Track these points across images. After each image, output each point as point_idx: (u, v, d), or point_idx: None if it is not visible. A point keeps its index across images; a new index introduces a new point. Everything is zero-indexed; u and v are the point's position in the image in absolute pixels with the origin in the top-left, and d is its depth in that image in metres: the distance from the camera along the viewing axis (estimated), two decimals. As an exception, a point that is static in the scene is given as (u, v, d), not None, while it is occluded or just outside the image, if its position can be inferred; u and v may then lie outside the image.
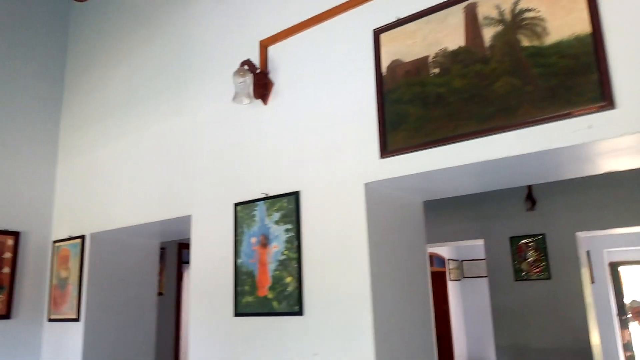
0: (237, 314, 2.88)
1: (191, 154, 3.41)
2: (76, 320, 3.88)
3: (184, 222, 3.53)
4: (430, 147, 2.31)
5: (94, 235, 4.01)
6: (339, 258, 2.55)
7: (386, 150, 2.45)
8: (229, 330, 2.92)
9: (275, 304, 2.73)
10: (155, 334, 4.36)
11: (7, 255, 4.04)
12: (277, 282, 2.75)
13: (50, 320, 4.12)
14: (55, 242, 4.27)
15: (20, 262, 4.12)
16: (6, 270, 4.02)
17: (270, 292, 2.77)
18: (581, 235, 5.96)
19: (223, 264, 3.04)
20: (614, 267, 9.05)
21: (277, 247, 2.79)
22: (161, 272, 5.26)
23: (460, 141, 2.23)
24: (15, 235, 4.11)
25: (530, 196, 6.03)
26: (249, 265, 2.89)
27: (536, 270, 6.06)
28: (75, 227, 4.15)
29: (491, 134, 2.15)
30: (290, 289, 2.69)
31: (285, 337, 2.66)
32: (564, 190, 5.88)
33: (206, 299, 3.09)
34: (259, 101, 3.04)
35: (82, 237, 4.02)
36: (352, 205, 2.54)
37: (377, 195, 2.59)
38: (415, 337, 2.72)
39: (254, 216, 2.94)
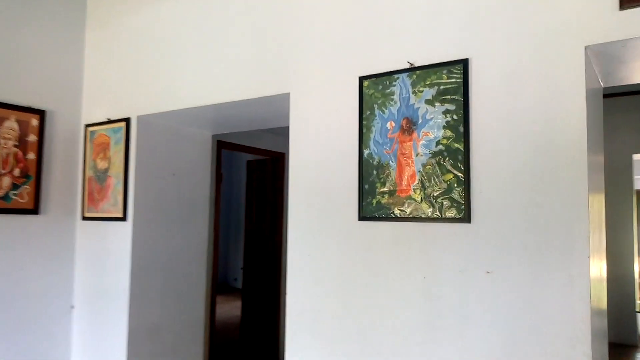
0: (363, 217, 2.25)
1: (291, 6, 2.59)
2: (122, 219, 3.21)
3: (252, 106, 2.81)
4: None
5: (142, 119, 3.24)
6: (532, 154, 1.89)
7: (633, -3, 1.72)
8: (348, 238, 2.30)
9: (425, 206, 2.10)
10: (207, 240, 3.75)
11: (32, 138, 3.27)
12: (429, 179, 2.09)
13: (86, 218, 3.44)
14: (88, 125, 3.49)
15: (47, 148, 3.36)
16: (31, 156, 3.26)
17: (418, 191, 2.12)
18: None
19: (340, 156, 2.35)
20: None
21: (430, 134, 2.11)
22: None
23: None
24: (40, 114, 3.31)
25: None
26: (384, 156, 2.22)
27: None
28: (115, 108, 3.36)
29: None
30: (450, 188, 2.04)
31: (442, 248, 2.06)
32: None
33: (312, 199, 2.44)
34: None
35: (127, 121, 3.25)
36: (568, 78, 1.83)
37: (610, 61, 1.88)
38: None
39: (391, 94, 2.22)
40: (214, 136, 3.91)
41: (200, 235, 3.67)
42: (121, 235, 3.23)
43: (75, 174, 3.53)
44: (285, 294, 2.62)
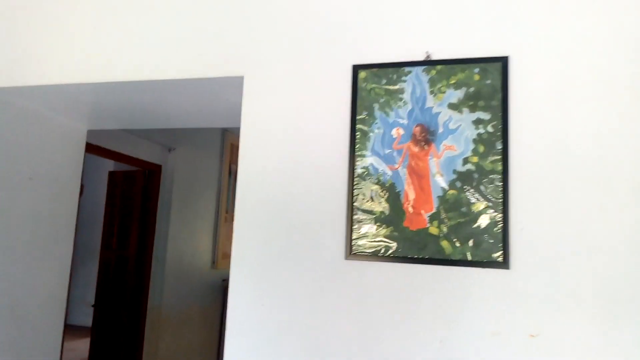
0: (353, 254, 1.63)
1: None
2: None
3: (170, 91, 2.06)
4: None
5: (-10, 93, 2.19)
6: (589, 182, 1.49)
7: None
8: (329, 283, 1.65)
9: (445, 244, 1.56)
10: (68, 272, 2.71)
11: None
12: (452, 208, 1.57)
13: None
14: None
15: None
16: None
17: (436, 224, 1.58)
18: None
19: (319, 170, 1.71)
20: None
21: (455, 148, 1.60)
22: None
23: None
24: None
25: None
26: (386, 174, 1.64)
27: None
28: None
29: None
30: (482, 222, 1.54)
31: (468, 302, 1.53)
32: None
33: (273, 228, 1.74)
34: None
35: (-36, 93, 2.17)
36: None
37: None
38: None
39: (399, 91, 1.67)
40: (89, 132, 2.92)
41: (61, 265, 2.64)
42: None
43: None
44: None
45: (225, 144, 5.39)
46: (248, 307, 1.72)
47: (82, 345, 5.28)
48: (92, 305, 4.59)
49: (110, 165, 5.22)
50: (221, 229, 5.30)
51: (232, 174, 5.54)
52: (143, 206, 4.55)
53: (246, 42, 1.87)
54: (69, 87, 2.11)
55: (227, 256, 5.42)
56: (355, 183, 1.66)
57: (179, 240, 4.60)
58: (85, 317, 5.98)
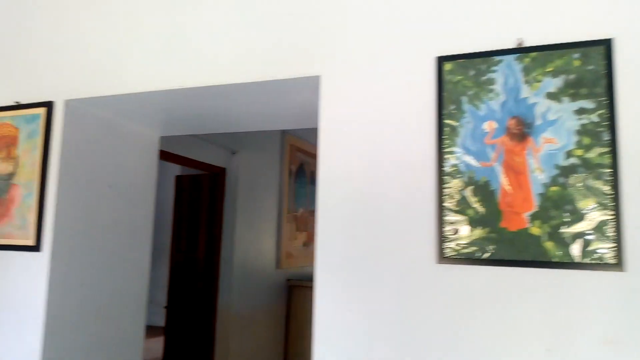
0: (446, 258, 1.54)
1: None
2: (33, 248, 2.17)
3: (243, 95, 2.04)
4: None
5: (71, 105, 2.26)
6: None
7: None
8: (420, 288, 1.57)
9: (549, 245, 1.44)
10: (147, 275, 2.78)
11: None
12: (555, 206, 1.45)
13: (-30, 245, 2.33)
14: (-19, 110, 2.40)
15: None
16: None
17: (538, 224, 1.46)
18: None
19: (404, 168, 1.64)
20: None
21: (556, 141, 1.48)
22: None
23: None
24: None
25: None
26: (479, 171, 1.54)
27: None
28: (28, 88, 2.33)
29: None
30: (590, 221, 1.41)
31: (577, 307, 1.41)
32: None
33: (356, 230, 1.68)
34: None
35: (48, 106, 2.25)
36: None
37: None
38: None
39: (488, 82, 1.57)
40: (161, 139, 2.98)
41: (140, 268, 2.70)
42: (31, 273, 2.18)
43: (-44, 180, 2.40)
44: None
45: (285, 145, 5.40)
46: (335, 312, 1.66)
47: (155, 345, 5.44)
48: (165, 307, 4.72)
49: (176, 169, 5.35)
50: (284, 229, 5.32)
51: (292, 175, 5.55)
52: (210, 209, 4.63)
53: (322, 40, 1.82)
54: (143, 96, 2.14)
55: (290, 256, 5.43)
56: (444, 182, 1.57)
57: (244, 242, 4.65)
58: (156, 317, 6.16)
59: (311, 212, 5.91)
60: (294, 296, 5.38)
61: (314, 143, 5.98)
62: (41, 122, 2.24)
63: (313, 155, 6.03)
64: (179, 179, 4.92)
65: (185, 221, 4.78)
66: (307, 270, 5.76)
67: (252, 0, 1.95)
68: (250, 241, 4.74)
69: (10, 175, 2.28)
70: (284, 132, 5.33)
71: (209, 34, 2.01)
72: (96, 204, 2.40)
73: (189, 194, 4.81)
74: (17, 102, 2.32)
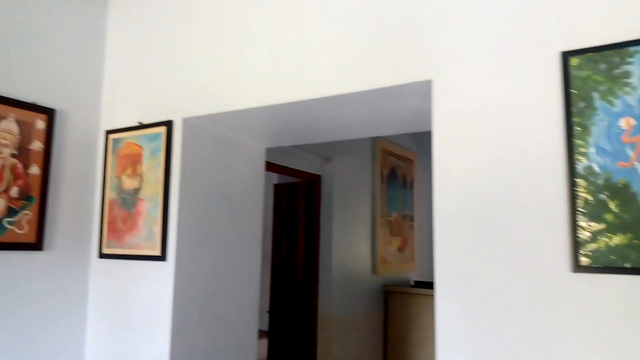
0: (581, 267, 1.44)
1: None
2: (159, 258, 2.34)
3: (348, 104, 2.02)
4: None
5: (188, 123, 2.41)
6: None
7: None
8: (552, 300, 1.49)
9: None
10: (259, 283, 2.88)
11: (37, 146, 2.39)
12: None
13: (104, 255, 2.55)
14: (110, 132, 2.63)
15: (56, 160, 2.48)
16: (35, 170, 2.38)
17: (691, 227, 1.33)
18: None
19: (528, 170, 1.56)
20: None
21: None
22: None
23: None
24: (48, 114, 2.44)
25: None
26: (617, 172, 1.43)
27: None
28: (149, 109, 2.52)
29: None
30: None
31: None
32: None
33: (478, 237, 1.62)
34: None
35: (168, 125, 2.41)
36: None
37: None
38: None
39: (623, 76, 1.45)
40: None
41: (252, 277, 2.81)
42: (158, 281, 2.34)
43: (91, 196, 2.64)
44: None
45: (376, 149, 5.38)
46: (457, 325, 1.62)
47: (259, 348, 5.62)
48: (267, 311, 4.88)
49: (273, 177, 5.53)
50: (378, 234, 5.29)
51: (384, 179, 5.51)
52: (307, 215, 4.72)
53: (433, 43, 1.79)
54: (253, 111, 2.23)
55: (385, 261, 5.39)
56: (576, 184, 1.48)
57: (341, 247, 4.68)
58: (260, 321, 6.37)
59: (404, 217, 5.83)
60: (391, 302, 5.33)
61: (405, 146, 5.90)
62: (162, 140, 2.41)
63: (404, 159, 5.95)
64: (276, 187, 5.07)
65: (284, 228, 4.91)
66: (402, 276, 5.68)
67: (356, 10, 1.97)
68: (347, 247, 4.77)
69: (137, 191, 2.48)
70: (375, 137, 5.31)
71: (313, 46, 2.06)
72: (212, 215, 2.53)
73: (286, 201, 4.94)
74: (140, 123, 2.51)
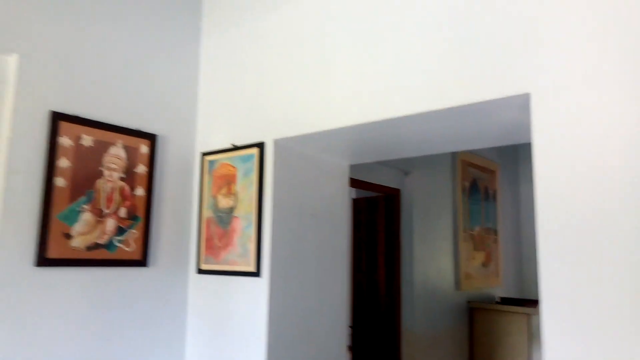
0: None
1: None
2: (254, 274, 2.43)
3: (436, 120, 1.99)
4: None
5: (279, 144, 2.50)
6: None
7: None
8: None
9: None
10: (346, 300, 2.90)
11: (141, 169, 2.58)
12: None
13: (202, 271, 2.69)
14: (206, 154, 2.78)
15: (158, 182, 2.66)
16: (140, 191, 2.56)
17: None
18: None
19: (637, 190, 1.47)
20: None
21: None
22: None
23: None
24: (151, 139, 2.63)
25: None
26: None
27: None
28: (241, 132, 2.64)
29: None
30: None
31: None
32: None
33: (580, 260, 1.55)
34: None
35: (260, 146, 2.51)
36: None
37: None
38: None
39: None
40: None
41: (341, 293, 2.84)
42: (253, 296, 2.43)
43: (189, 215, 2.80)
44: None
45: (456, 160, 5.27)
46: (568, 348, 1.55)
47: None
48: (350, 326, 4.89)
49: (351, 192, 5.57)
50: (461, 248, 5.15)
51: (466, 191, 5.37)
52: (387, 230, 4.69)
53: (529, 55, 1.74)
54: (340, 130, 2.26)
55: (469, 277, 5.24)
56: (700, 201, 1.37)
57: (423, 262, 4.61)
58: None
59: (487, 230, 5.64)
60: (477, 319, 5.16)
61: (486, 157, 5.72)
62: (255, 161, 2.52)
63: (486, 170, 5.77)
64: (355, 201, 5.10)
65: (364, 242, 4.91)
66: (487, 292, 5.49)
67: (444, 23, 1.96)
68: (428, 261, 4.69)
69: (232, 209, 2.59)
70: (456, 149, 5.20)
71: (400, 64, 2.07)
72: (302, 233, 2.60)
73: (365, 216, 4.95)
74: (233, 145, 2.64)
